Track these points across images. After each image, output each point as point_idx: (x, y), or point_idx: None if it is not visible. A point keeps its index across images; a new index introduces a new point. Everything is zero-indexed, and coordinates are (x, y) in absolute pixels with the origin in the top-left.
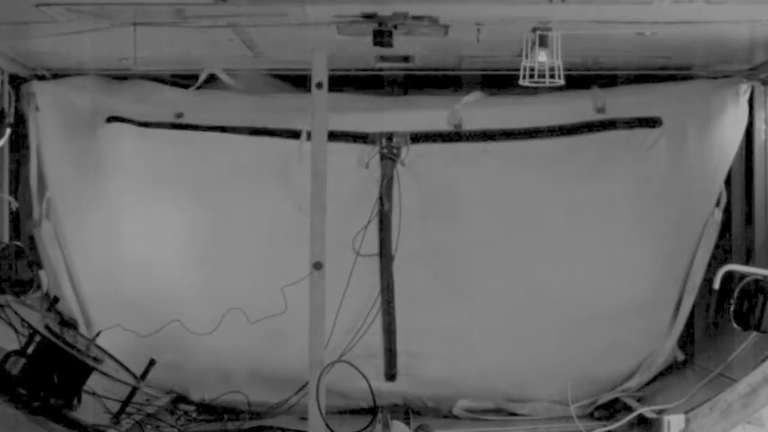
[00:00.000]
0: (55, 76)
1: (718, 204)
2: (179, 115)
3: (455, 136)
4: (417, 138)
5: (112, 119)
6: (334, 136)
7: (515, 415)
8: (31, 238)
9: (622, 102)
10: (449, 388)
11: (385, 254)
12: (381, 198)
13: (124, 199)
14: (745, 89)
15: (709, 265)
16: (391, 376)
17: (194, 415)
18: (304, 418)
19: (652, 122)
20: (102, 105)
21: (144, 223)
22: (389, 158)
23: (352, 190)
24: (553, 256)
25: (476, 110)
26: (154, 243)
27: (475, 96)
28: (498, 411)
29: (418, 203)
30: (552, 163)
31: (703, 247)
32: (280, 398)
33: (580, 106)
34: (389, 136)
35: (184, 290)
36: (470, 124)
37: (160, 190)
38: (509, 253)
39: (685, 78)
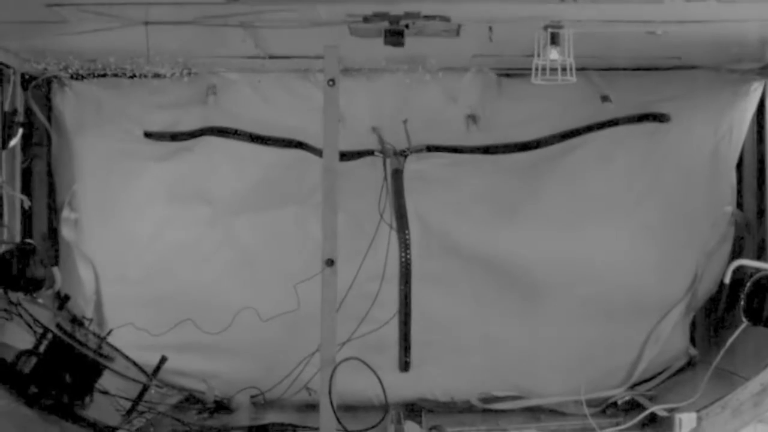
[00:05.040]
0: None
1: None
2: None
3: (458, 149)
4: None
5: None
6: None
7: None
8: (43, 237)
9: (630, 97)
10: (461, 381)
11: (402, 229)
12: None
13: (148, 198)
14: (755, 87)
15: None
16: (405, 365)
17: (207, 413)
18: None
19: (660, 118)
20: (127, 104)
21: (164, 222)
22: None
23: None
24: (563, 251)
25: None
26: (174, 242)
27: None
28: (516, 399)
29: (424, 197)
30: (559, 157)
31: (714, 241)
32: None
33: (586, 97)
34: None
35: (201, 290)
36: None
37: (182, 193)
38: (519, 248)
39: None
